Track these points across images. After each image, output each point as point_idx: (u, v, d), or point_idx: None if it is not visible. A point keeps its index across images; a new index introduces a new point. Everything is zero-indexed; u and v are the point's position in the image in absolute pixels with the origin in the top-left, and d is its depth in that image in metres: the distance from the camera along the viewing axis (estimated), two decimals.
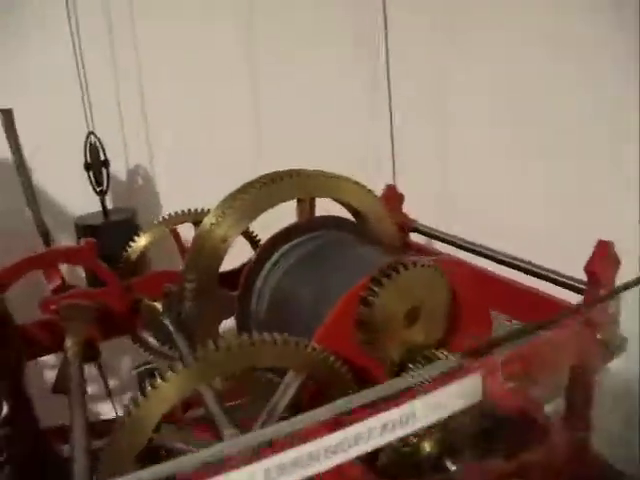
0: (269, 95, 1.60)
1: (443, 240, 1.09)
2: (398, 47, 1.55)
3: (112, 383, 1.35)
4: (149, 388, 0.56)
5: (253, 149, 1.62)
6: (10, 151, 1.12)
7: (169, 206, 1.59)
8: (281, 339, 0.60)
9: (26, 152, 1.37)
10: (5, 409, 1.05)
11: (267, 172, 0.90)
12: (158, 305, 1.05)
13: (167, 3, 1.51)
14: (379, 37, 1.53)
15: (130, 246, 1.16)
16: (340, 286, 0.71)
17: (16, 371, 1.05)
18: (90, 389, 1.58)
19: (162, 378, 0.57)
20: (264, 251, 0.90)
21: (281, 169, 0.90)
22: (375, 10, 1.51)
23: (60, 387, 0.92)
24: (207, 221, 0.88)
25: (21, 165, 1.15)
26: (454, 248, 1.05)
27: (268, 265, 0.92)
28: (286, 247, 0.92)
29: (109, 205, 1.51)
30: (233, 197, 0.89)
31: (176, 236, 1.13)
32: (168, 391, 0.56)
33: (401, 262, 0.68)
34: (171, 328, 1.00)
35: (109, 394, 1.18)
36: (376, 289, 0.67)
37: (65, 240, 1.54)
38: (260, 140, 1.63)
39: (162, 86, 1.53)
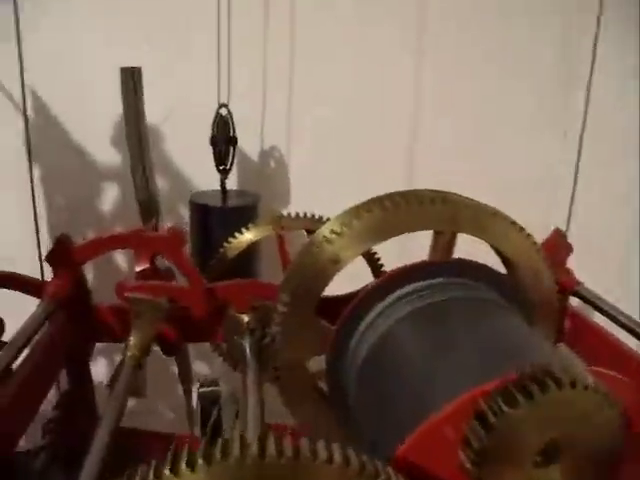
0: (432, 98, 1.40)
1: (607, 315, 0.87)
2: None
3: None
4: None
5: (404, 157, 1.43)
6: (126, 115, 1.04)
7: (297, 200, 1.49)
8: (340, 457, 0.40)
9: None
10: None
11: (411, 188, 0.74)
12: (244, 319, 0.92)
13: None
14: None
15: (231, 240, 1.03)
16: (451, 380, 0.50)
17: (83, 352, 0.99)
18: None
19: (173, 471, 0.40)
20: (377, 289, 0.72)
21: (431, 186, 0.74)
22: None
23: (114, 384, 0.83)
24: (319, 234, 0.73)
25: (139, 129, 1.07)
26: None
27: (378, 308, 0.73)
28: (404, 291, 0.72)
29: (234, 186, 1.42)
30: (356, 213, 0.72)
31: (280, 241, 0.98)
32: None
33: (552, 375, 0.46)
34: (247, 351, 0.87)
35: (190, 411, 1.09)
36: (504, 407, 0.45)
37: (178, 216, 1.48)
38: (414, 148, 1.44)
39: (314, 68, 1.40)
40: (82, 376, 1.00)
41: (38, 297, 0.91)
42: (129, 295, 0.87)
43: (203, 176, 1.39)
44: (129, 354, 0.83)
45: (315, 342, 0.76)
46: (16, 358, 0.79)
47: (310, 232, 0.99)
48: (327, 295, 0.76)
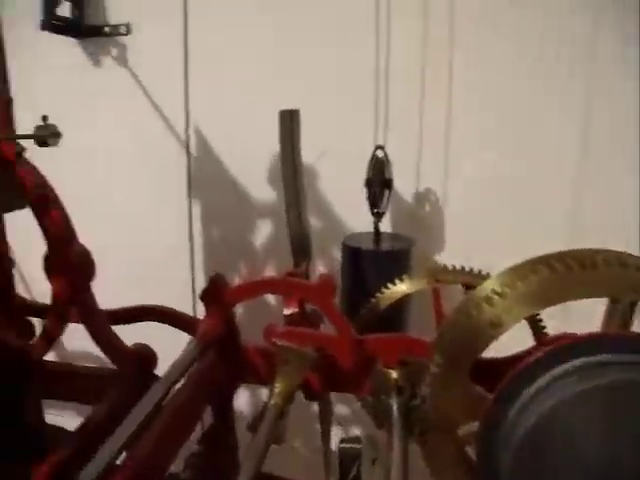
0: (599, 147, 1.28)
1: None
2: None
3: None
4: None
5: (568, 209, 1.32)
6: (283, 155, 1.07)
7: (452, 246, 1.43)
8: None
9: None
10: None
11: (574, 246, 0.67)
12: (393, 375, 0.88)
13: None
14: None
15: (384, 291, 1.00)
16: None
17: (228, 390, 1.01)
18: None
19: None
20: (543, 360, 0.65)
21: (597, 245, 0.66)
22: None
23: (254, 427, 0.83)
24: (479, 293, 0.68)
25: (295, 171, 1.09)
26: None
27: (542, 381, 0.66)
28: (573, 364, 0.65)
29: (387, 229, 1.40)
30: (521, 273, 0.67)
31: (436, 296, 0.93)
32: None
33: None
34: (394, 411, 0.83)
35: (327, 459, 1.07)
36: None
37: (331, 258, 1.49)
38: (580, 199, 1.32)
39: (473, 113, 1.34)
40: (226, 413, 1.02)
41: (189, 333, 0.95)
42: (277, 342, 0.88)
43: (357, 218, 1.39)
44: (272, 402, 0.82)
45: (468, 408, 0.71)
46: (168, 393, 0.83)
47: (468, 287, 0.93)
48: (483, 357, 0.71)
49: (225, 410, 1.00)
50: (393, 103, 1.24)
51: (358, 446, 0.84)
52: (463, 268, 0.96)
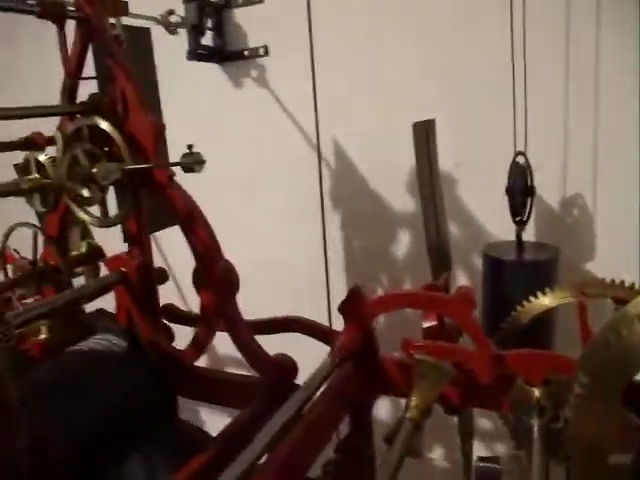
0: None
1: None
2: None
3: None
4: None
5: None
6: (419, 167, 1.07)
7: (602, 257, 1.35)
8: None
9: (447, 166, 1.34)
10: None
11: None
12: (535, 393, 0.85)
13: None
14: None
15: (525, 304, 0.97)
16: None
17: (366, 402, 1.03)
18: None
19: None
20: None
21: None
22: None
23: (390, 439, 0.85)
24: (632, 308, 0.64)
25: (432, 182, 1.09)
26: None
27: None
28: None
29: (531, 238, 1.34)
30: None
31: (581, 311, 0.88)
32: None
33: None
34: (535, 432, 0.80)
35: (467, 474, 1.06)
36: None
37: (471, 267, 1.46)
38: None
39: (618, 114, 1.25)
40: (363, 424, 1.04)
41: (328, 344, 0.99)
42: (414, 355, 0.88)
43: (498, 227, 1.35)
44: (409, 415, 0.83)
45: (618, 436, 0.66)
46: (307, 401, 0.87)
47: (618, 302, 0.87)
48: (636, 380, 0.67)
49: (363, 420, 1.02)
50: (533, 107, 1.19)
51: (496, 466, 0.82)
52: (613, 281, 0.90)
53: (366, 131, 1.49)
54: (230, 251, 1.01)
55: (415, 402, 0.85)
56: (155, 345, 1.01)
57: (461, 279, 1.47)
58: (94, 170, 0.89)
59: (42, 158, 0.92)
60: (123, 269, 1.01)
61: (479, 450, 1.48)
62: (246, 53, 1.58)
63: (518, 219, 1.27)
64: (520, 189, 1.24)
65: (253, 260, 1.54)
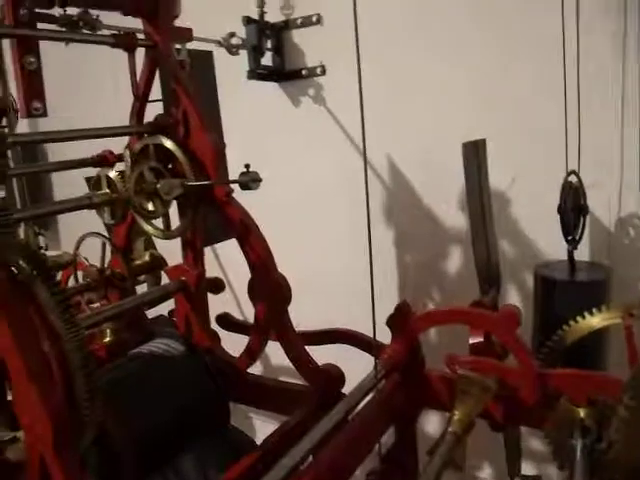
0: None
1: None
2: None
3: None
4: None
5: None
6: (468, 186, 1.09)
7: None
8: None
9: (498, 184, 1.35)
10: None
11: None
12: (579, 414, 0.86)
13: None
14: None
15: (572, 324, 0.98)
16: None
17: (410, 413, 1.05)
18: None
19: None
20: None
21: None
22: None
23: (432, 452, 0.87)
24: None
25: (481, 201, 1.11)
26: None
27: None
28: None
29: (583, 258, 1.33)
30: None
31: (628, 333, 0.88)
32: None
33: None
34: (578, 453, 0.81)
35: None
36: None
37: (522, 286, 1.46)
38: None
39: None
40: (407, 435, 1.06)
41: (375, 356, 1.02)
42: (458, 370, 0.90)
43: (550, 246, 1.35)
44: (451, 429, 0.85)
45: None
46: (352, 410, 0.91)
47: None
48: None
49: (407, 432, 1.04)
50: (586, 127, 1.20)
51: None
52: None
53: (419, 149, 1.52)
54: (286, 263, 1.06)
55: (458, 416, 0.87)
56: (211, 351, 1.07)
57: (512, 296, 1.48)
58: (158, 186, 0.97)
59: (112, 175, 1.00)
60: (183, 278, 1.08)
61: (528, 471, 1.47)
62: (304, 72, 1.64)
63: (570, 238, 1.27)
64: (572, 208, 1.24)
65: (309, 272, 1.60)
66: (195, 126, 1.01)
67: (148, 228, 1.04)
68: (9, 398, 0.72)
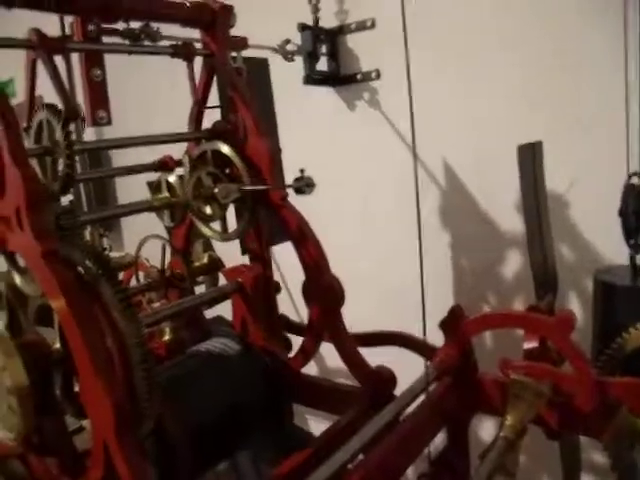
0: None
1: None
2: None
3: None
4: None
5: None
6: (523, 189, 1.08)
7: None
8: None
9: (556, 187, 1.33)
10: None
11: None
12: None
13: None
14: None
15: (631, 330, 0.96)
16: None
17: (463, 418, 1.05)
18: None
19: None
20: None
21: None
22: None
23: (484, 457, 0.87)
24: None
25: (537, 204, 1.10)
26: None
27: None
28: None
29: None
30: None
31: None
32: None
33: None
34: (638, 466, 0.79)
35: None
36: None
37: (581, 291, 1.43)
38: None
39: None
40: (460, 440, 1.06)
41: (427, 359, 1.02)
42: (512, 375, 0.90)
43: (610, 251, 1.32)
44: (502, 434, 0.85)
45: None
46: (403, 411, 0.92)
47: None
48: None
49: (459, 436, 1.04)
50: None
51: None
52: None
53: (474, 152, 1.51)
54: (340, 267, 1.08)
55: (510, 422, 0.87)
56: (266, 351, 1.10)
57: (570, 302, 1.44)
58: (216, 190, 1.00)
59: (172, 179, 1.04)
60: (240, 280, 1.11)
61: None
62: (359, 77, 1.65)
63: (632, 242, 1.23)
64: (634, 211, 1.21)
65: (364, 276, 1.61)
66: (251, 132, 1.04)
67: (206, 230, 1.08)
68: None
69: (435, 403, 0.95)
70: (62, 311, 0.71)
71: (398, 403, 0.90)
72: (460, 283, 1.65)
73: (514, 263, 1.54)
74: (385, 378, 1.02)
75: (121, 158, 1.57)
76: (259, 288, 1.13)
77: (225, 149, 1.03)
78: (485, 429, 1.58)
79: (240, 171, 1.02)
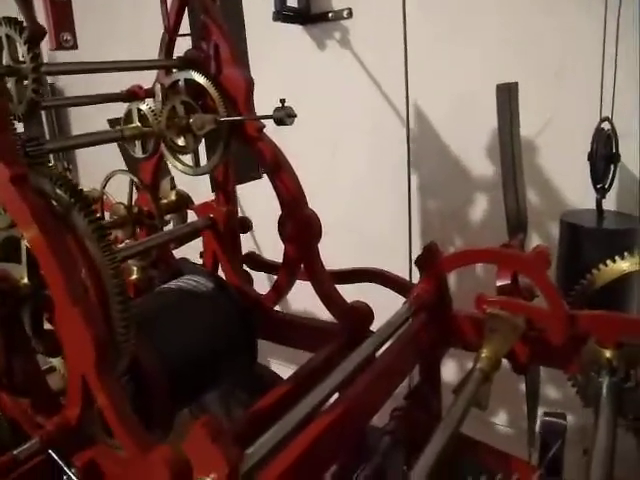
0: None
1: None
2: None
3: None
4: None
5: None
6: (500, 129, 1.07)
7: None
8: None
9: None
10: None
11: None
12: (606, 354, 0.86)
13: None
14: None
15: (601, 267, 0.97)
16: None
17: (436, 353, 1.06)
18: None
19: None
20: None
21: None
22: None
23: (459, 391, 0.88)
24: None
25: (512, 146, 1.09)
26: None
27: None
28: None
29: (611, 207, 1.32)
30: None
31: None
32: None
33: None
34: (604, 391, 0.82)
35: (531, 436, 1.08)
36: None
37: (546, 233, 1.45)
38: None
39: None
40: (432, 375, 1.07)
41: (404, 296, 1.02)
42: (488, 309, 0.91)
43: (577, 194, 1.34)
44: (478, 366, 0.86)
45: None
46: (380, 347, 0.91)
47: None
48: None
49: (432, 371, 1.05)
50: (622, 72, 1.16)
51: (562, 422, 0.83)
52: None
53: (450, 96, 1.49)
54: (312, 206, 1.05)
55: (485, 354, 0.88)
56: (238, 288, 1.07)
57: (536, 243, 1.47)
58: (191, 120, 0.95)
59: (144, 108, 0.98)
60: (212, 215, 1.08)
61: None
62: (330, 15, 1.60)
63: (599, 186, 1.25)
64: (603, 156, 1.22)
65: (333, 216, 1.59)
66: (227, 61, 0.99)
67: (177, 164, 1.03)
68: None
69: (411, 338, 0.95)
70: (35, 239, 0.66)
71: (376, 339, 0.89)
72: (430, 225, 1.65)
73: (484, 206, 1.55)
74: (363, 313, 1.01)
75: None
76: (230, 224, 1.10)
77: (200, 78, 0.97)
78: (449, 369, 1.61)
79: (215, 102, 0.97)
